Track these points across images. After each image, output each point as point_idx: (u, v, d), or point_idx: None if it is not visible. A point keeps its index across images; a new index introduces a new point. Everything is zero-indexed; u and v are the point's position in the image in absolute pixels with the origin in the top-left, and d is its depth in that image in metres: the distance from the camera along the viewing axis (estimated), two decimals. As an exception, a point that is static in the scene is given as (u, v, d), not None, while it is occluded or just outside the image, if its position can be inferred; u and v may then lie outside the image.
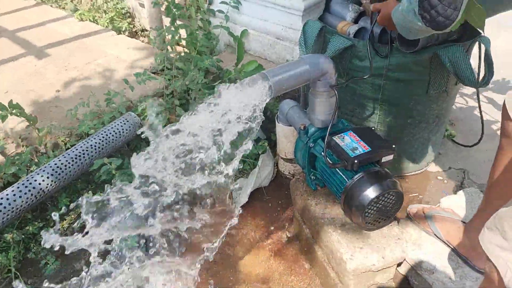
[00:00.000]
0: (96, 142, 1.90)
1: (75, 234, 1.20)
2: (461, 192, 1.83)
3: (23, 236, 1.75)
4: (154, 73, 2.58)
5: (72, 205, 1.23)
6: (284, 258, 1.77)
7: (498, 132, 1.37)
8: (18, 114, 1.90)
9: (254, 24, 2.65)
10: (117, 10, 3.46)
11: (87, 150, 1.86)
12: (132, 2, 3.48)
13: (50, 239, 1.14)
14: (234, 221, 1.40)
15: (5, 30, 3.20)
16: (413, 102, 1.71)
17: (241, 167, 2.07)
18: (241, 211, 1.89)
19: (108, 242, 1.29)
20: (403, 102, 1.72)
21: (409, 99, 1.71)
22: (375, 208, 1.36)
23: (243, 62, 2.43)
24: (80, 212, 1.22)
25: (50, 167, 1.76)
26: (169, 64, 2.32)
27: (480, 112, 1.83)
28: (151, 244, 1.44)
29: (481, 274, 1.50)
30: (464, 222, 1.61)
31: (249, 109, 1.22)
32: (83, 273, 1.30)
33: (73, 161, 1.81)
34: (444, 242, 1.59)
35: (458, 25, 1.15)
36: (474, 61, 1.59)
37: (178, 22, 2.47)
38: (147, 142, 1.22)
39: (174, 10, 2.40)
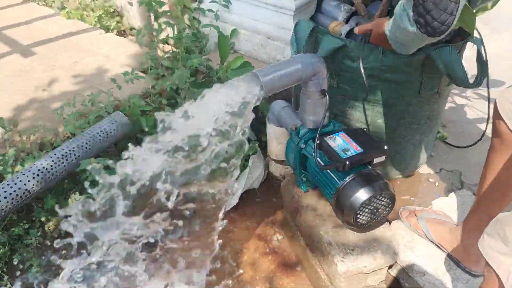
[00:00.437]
0: (83, 142, 1.86)
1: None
2: (452, 194, 1.83)
3: (8, 237, 1.71)
4: (143, 72, 2.54)
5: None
6: (275, 260, 1.75)
7: (490, 133, 1.37)
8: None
9: (245, 23, 2.62)
10: (105, 8, 3.41)
11: (73, 150, 1.82)
12: (120, 1, 3.43)
13: None
14: (223, 223, 1.38)
15: (-9, 28, 3.14)
16: (404, 103, 1.71)
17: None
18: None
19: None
20: (395, 103, 1.71)
21: (400, 100, 1.70)
22: (367, 210, 1.35)
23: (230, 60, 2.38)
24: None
25: (36, 167, 1.72)
26: (154, 63, 2.27)
27: (488, 114, 1.74)
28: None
29: (473, 277, 1.49)
30: (456, 224, 1.61)
31: (238, 108, 1.20)
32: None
33: (59, 161, 1.77)
34: (436, 244, 1.59)
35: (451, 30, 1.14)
36: (466, 63, 1.59)
37: (165, 20, 2.43)
38: (138, 142, 1.20)
39: (156, 5, 2.35)
